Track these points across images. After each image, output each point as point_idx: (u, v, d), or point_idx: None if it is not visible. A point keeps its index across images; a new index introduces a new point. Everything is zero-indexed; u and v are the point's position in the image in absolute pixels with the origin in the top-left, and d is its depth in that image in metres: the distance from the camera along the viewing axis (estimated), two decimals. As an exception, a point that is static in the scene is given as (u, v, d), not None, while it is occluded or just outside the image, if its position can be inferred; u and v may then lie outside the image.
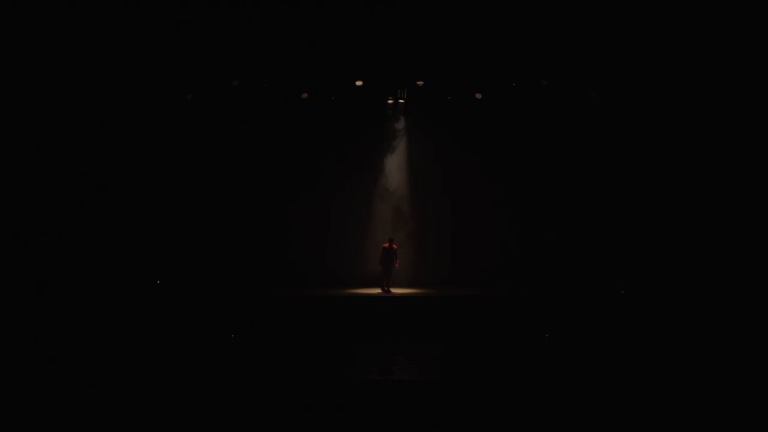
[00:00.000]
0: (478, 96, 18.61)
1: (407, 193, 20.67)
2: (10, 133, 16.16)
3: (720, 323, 15.61)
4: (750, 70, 15.87)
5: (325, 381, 12.70)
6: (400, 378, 12.30)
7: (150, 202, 18.79)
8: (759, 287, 15.96)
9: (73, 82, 16.69)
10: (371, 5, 15.84)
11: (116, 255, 17.90)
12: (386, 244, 18.86)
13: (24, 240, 16.43)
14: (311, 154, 20.13)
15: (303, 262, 20.08)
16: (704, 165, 17.43)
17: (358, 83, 18.19)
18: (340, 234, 20.33)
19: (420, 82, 18.44)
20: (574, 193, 19.74)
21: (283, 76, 18.15)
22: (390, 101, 19.76)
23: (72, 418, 10.66)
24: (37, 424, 10.47)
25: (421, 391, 11.92)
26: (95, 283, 17.09)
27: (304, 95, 18.46)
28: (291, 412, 11.03)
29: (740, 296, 16.14)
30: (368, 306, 18.73)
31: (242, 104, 19.09)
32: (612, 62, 17.34)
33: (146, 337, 15.51)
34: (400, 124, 20.45)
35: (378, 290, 18.94)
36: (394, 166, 20.56)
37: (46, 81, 16.27)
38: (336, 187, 20.42)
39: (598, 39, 16.59)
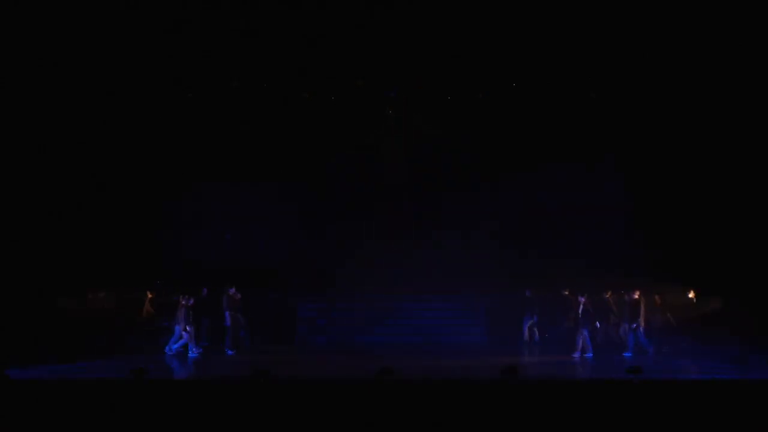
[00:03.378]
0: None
1: (407, 192, 20.69)
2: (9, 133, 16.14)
3: None
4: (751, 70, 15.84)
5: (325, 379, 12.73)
6: (400, 378, 12.29)
7: (150, 202, 18.81)
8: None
9: (74, 82, 16.69)
10: (371, 5, 15.82)
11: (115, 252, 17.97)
12: None
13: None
14: (311, 153, 20.13)
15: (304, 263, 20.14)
16: (705, 166, 17.39)
17: (359, 83, 18.24)
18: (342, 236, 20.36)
19: (419, 84, 18.47)
20: (573, 193, 19.72)
21: (283, 76, 18.16)
22: (390, 101, 19.78)
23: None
24: None
25: (422, 391, 11.91)
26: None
27: None
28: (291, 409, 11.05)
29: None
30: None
31: (242, 104, 19.13)
32: (612, 62, 17.32)
33: None
34: (400, 124, 20.45)
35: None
36: (393, 166, 20.56)
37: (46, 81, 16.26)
38: (336, 187, 20.43)
39: (598, 39, 16.56)
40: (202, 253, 19.64)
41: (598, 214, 19.51)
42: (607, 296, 17.61)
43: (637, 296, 16.77)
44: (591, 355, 16.47)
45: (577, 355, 16.51)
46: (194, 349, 17.17)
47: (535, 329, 19.26)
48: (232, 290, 17.75)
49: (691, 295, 17.76)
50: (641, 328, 16.63)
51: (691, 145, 17.37)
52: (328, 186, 20.59)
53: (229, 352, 17.48)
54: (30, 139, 16.42)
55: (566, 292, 18.85)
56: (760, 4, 15.00)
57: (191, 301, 17.09)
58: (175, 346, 17.12)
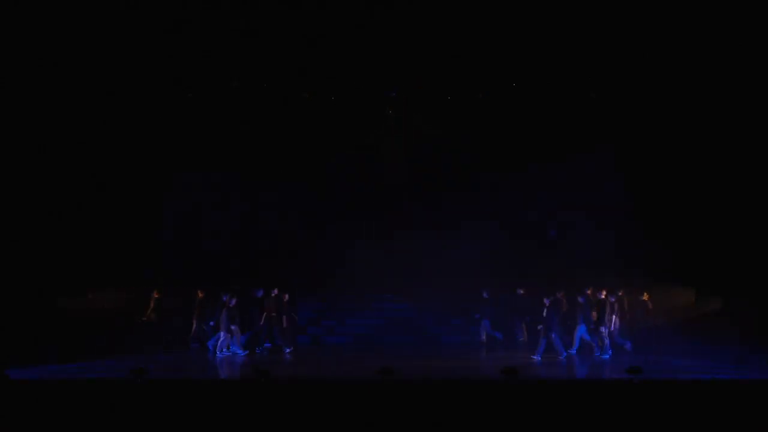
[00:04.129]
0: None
1: (407, 192, 20.70)
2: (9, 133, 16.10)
3: None
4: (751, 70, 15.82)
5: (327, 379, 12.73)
6: (400, 378, 12.28)
7: (151, 202, 18.83)
8: None
9: (74, 82, 16.67)
10: (371, 5, 15.81)
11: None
12: None
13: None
14: (311, 153, 20.13)
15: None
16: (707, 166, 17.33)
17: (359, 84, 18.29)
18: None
19: (420, 84, 18.49)
20: (573, 193, 19.71)
21: (283, 76, 18.16)
22: (390, 101, 19.80)
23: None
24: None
25: (422, 391, 11.91)
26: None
27: None
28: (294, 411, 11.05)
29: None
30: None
31: (242, 104, 19.17)
32: (612, 62, 17.31)
33: None
34: (400, 124, 20.44)
35: None
36: (393, 166, 20.55)
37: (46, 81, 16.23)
38: (336, 187, 20.44)
39: (598, 39, 16.56)
40: (204, 252, 19.68)
41: (597, 214, 19.50)
42: (560, 296, 17.44)
43: (603, 296, 16.61)
44: (538, 357, 16.16)
45: (563, 355, 16.33)
46: (240, 351, 17.18)
47: (487, 329, 19.07)
48: (275, 291, 17.75)
49: (645, 297, 17.63)
50: (603, 328, 16.48)
51: (692, 144, 17.35)
52: (328, 186, 20.58)
53: (287, 349, 17.63)
54: (30, 138, 16.37)
55: (521, 292, 18.69)
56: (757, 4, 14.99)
57: (233, 302, 17.00)
58: (212, 343, 17.21)
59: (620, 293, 17.36)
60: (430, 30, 16.27)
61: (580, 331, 16.87)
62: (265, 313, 17.66)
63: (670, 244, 17.70)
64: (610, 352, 16.67)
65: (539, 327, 16.69)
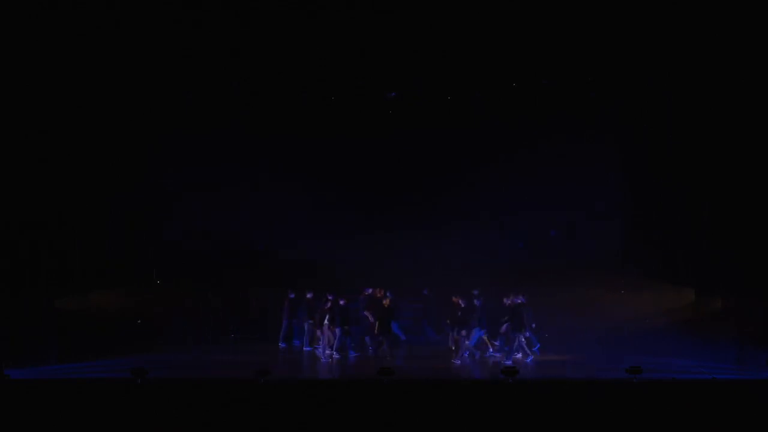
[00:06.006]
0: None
1: (407, 190, 20.69)
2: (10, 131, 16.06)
3: None
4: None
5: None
6: (400, 378, 12.30)
7: (151, 202, 18.84)
8: None
9: (73, 82, 16.65)
10: (372, 5, 15.81)
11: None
12: None
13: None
14: (311, 154, 20.15)
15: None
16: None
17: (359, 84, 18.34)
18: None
19: (419, 84, 18.53)
20: (572, 192, 19.70)
21: (283, 76, 18.18)
22: (389, 101, 19.82)
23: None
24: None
25: (422, 391, 11.93)
26: None
27: None
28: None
29: None
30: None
31: (242, 104, 19.18)
32: (612, 61, 17.32)
33: None
34: (400, 124, 20.43)
35: None
36: (393, 162, 20.52)
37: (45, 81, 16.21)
38: (336, 185, 20.43)
39: (598, 38, 16.56)
40: (206, 253, 19.68)
41: (597, 213, 19.48)
42: (454, 299, 16.94)
43: (520, 301, 16.25)
44: (467, 355, 16.00)
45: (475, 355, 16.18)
46: (327, 351, 16.63)
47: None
48: (369, 290, 17.50)
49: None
50: (521, 334, 16.07)
51: (692, 143, 17.36)
52: (328, 185, 20.53)
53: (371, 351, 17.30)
54: (30, 136, 16.33)
55: (426, 293, 18.40)
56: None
57: (341, 302, 16.75)
58: (321, 348, 16.86)
59: (511, 298, 16.85)
60: (430, 29, 16.26)
61: (478, 334, 16.69)
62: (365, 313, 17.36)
63: (669, 244, 17.70)
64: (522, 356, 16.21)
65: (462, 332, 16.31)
